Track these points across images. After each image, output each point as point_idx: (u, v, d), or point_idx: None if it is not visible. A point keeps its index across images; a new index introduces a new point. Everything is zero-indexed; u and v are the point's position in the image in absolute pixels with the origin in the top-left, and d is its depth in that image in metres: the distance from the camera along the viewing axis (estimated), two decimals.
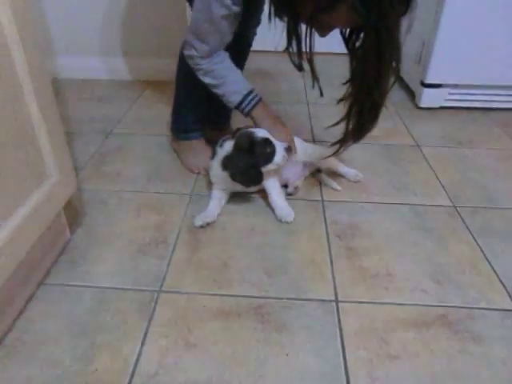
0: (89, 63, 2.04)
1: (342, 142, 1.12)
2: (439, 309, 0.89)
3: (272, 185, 1.14)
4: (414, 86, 1.87)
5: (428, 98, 1.78)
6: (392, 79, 0.97)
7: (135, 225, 1.10)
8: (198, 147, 1.36)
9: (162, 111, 1.72)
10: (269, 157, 1.09)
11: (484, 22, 1.59)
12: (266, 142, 1.08)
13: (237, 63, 1.14)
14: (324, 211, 1.16)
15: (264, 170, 1.09)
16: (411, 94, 1.90)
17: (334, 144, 1.14)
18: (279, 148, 1.09)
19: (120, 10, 1.91)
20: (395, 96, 1.93)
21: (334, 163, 1.29)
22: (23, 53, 0.75)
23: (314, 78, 1.05)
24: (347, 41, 1.03)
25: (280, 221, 1.11)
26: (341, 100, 1.05)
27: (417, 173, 1.35)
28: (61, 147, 0.90)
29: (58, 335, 0.81)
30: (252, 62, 2.35)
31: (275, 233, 1.08)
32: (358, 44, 1.00)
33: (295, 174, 1.24)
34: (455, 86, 1.75)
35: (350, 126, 1.07)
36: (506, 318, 0.87)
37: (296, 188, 1.22)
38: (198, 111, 1.34)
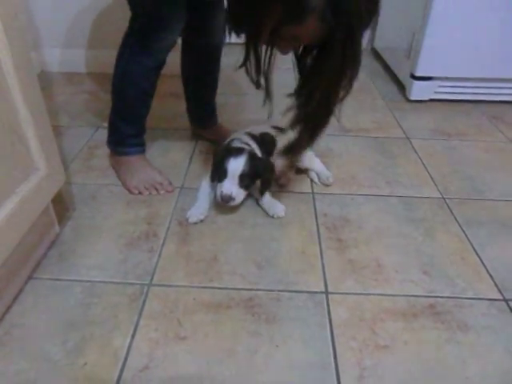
0: (77, 56, 2.01)
1: (295, 149, 1.06)
2: (428, 299, 0.90)
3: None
4: (404, 78, 1.87)
5: (418, 90, 1.78)
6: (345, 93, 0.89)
7: (125, 218, 1.09)
8: (136, 164, 1.23)
9: (152, 104, 1.70)
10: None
11: (473, 14, 1.59)
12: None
13: (207, 69, 1.11)
14: (314, 203, 1.17)
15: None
16: (401, 87, 1.90)
17: (286, 150, 1.06)
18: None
19: (109, 1, 1.88)
20: (386, 89, 1.93)
21: (311, 162, 1.26)
22: (8, 45, 0.73)
23: (267, 96, 0.96)
24: (300, 56, 0.94)
25: (272, 217, 1.11)
26: (287, 111, 0.97)
27: (406, 165, 1.36)
28: (48, 140, 0.89)
29: (48, 329, 0.80)
30: (241, 55, 2.34)
31: (265, 225, 1.08)
32: (309, 60, 0.91)
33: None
34: (445, 79, 1.76)
35: (299, 135, 0.99)
36: (492, 308, 0.88)
37: (288, 179, 1.22)
38: (137, 122, 1.23)
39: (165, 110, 1.66)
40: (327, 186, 1.24)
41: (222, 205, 1.08)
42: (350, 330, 0.82)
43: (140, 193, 1.18)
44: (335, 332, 0.82)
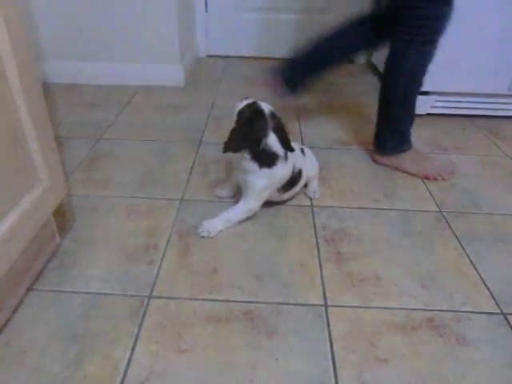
0: (79, 68, 2.03)
1: None
2: (426, 312, 0.90)
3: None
4: None
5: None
6: None
7: (125, 230, 1.10)
8: (419, 152, 1.41)
9: (152, 116, 1.73)
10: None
11: (469, 31, 1.62)
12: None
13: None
14: (313, 216, 1.18)
15: None
16: None
17: None
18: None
19: (112, 16, 1.91)
20: None
21: (314, 171, 1.27)
22: (13, 57, 0.75)
23: None
24: None
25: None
26: None
27: (404, 178, 1.37)
28: (51, 152, 0.90)
29: (47, 341, 0.80)
30: (240, 67, 2.37)
31: (265, 238, 1.09)
32: None
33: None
34: (442, 94, 1.78)
35: None
36: (490, 321, 0.88)
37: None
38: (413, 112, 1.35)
39: (165, 122, 1.68)
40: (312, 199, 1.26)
41: None
42: (349, 343, 0.83)
43: (442, 178, 1.35)
44: (335, 345, 0.82)
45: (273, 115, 1.06)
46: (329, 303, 0.91)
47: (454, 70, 1.70)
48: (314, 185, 1.27)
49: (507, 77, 1.71)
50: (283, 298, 0.92)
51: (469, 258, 1.05)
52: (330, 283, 0.96)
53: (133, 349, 0.80)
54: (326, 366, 0.79)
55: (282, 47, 2.48)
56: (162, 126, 1.65)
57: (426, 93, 1.77)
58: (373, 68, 2.42)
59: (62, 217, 1.10)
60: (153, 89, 2.01)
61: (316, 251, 1.05)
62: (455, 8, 1.15)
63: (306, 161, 1.20)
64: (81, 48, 2.00)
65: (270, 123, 1.04)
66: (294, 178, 1.14)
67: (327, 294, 0.93)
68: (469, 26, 1.61)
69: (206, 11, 2.41)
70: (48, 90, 1.96)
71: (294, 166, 1.12)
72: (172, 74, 2.05)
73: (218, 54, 2.53)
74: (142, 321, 0.85)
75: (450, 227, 1.15)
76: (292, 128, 1.66)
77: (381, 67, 2.27)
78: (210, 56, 2.55)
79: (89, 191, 1.25)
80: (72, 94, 1.93)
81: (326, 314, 0.89)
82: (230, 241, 1.08)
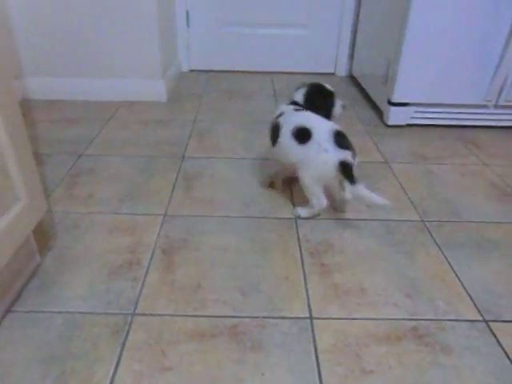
0: (60, 84, 2.02)
1: None
2: (410, 322, 0.91)
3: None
4: (382, 104, 1.93)
5: (395, 116, 1.84)
6: None
7: (107, 247, 1.08)
8: None
9: (134, 132, 1.72)
10: (332, 104, 1.29)
11: (445, 44, 1.67)
12: (332, 93, 1.30)
13: None
14: (297, 229, 1.18)
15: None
16: (379, 113, 1.96)
17: None
18: (338, 103, 1.30)
19: (93, 31, 1.91)
20: (365, 115, 1.99)
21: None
22: None
23: None
24: None
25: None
26: None
27: (386, 189, 1.39)
28: (30, 170, 0.89)
29: (27, 363, 0.78)
30: (223, 81, 2.39)
31: (249, 252, 1.09)
32: None
33: None
34: (420, 105, 1.82)
35: None
36: (473, 329, 0.89)
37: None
38: None
39: (148, 137, 1.67)
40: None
41: None
42: (335, 356, 0.83)
43: None
44: (320, 358, 0.82)
45: None
46: (314, 316, 0.91)
47: (430, 81, 1.74)
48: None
49: (483, 88, 1.76)
50: (268, 312, 0.91)
51: (451, 266, 1.07)
52: (315, 295, 0.96)
53: (116, 368, 0.78)
54: (312, 379, 0.78)
55: (264, 61, 2.53)
56: (145, 141, 1.65)
57: (405, 104, 1.81)
58: (354, 81, 2.46)
59: (43, 235, 1.08)
60: (135, 104, 2.01)
61: (300, 264, 1.06)
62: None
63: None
64: (62, 64, 1.99)
65: None
66: None
67: (312, 307, 0.93)
68: (446, 39, 1.66)
69: (188, 26, 2.43)
70: (29, 106, 1.94)
71: None
72: (154, 89, 2.05)
73: (201, 68, 2.55)
74: (125, 339, 0.84)
75: (432, 236, 1.17)
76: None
77: (361, 79, 2.32)
78: (192, 70, 2.56)
79: (70, 208, 1.23)
80: (53, 111, 1.92)
81: (312, 326, 0.89)
82: (214, 255, 1.07)
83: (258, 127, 1.81)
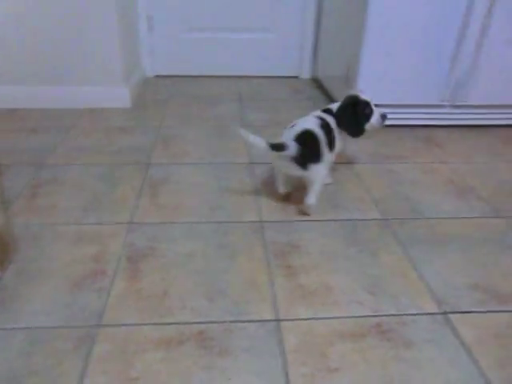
0: (19, 92, 1.97)
1: None
2: (374, 318, 0.93)
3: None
4: None
5: None
6: None
7: (71, 258, 1.06)
8: None
9: (97, 139, 1.69)
10: (367, 116, 1.33)
11: (404, 48, 1.73)
12: (367, 104, 1.33)
13: None
14: (263, 231, 1.19)
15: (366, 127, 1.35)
16: None
17: None
18: (376, 112, 1.34)
19: (52, 38, 1.87)
20: None
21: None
22: None
23: None
24: None
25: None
26: None
27: (350, 189, 1.42)
28: None
29: None
30: (188, 86, 2.38)
31: (215, 257, 1.09)
32: None
33: None
34: (381, 106, 1.87)
35: None
36: (433, 322, 0.93)
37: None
38: None
39: (111, 145, 1.65)
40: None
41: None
42: (301, 356, 0.84)
43: None
44: (288, 359, 0.83)
45: None
46: (281, 317, 0.93)
47: (390, 82, 1.79)
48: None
49: (440, 88, 1.83)
50: (235, 316, 0.92)
51: (412, 262, 1.10)
52: (282, 297, 0.98)
53: (80, 382, 0.77)
54: (279, 381, 0.79)
55: (229, 66, 2.54)
56: (109, 148, 1.63)
57: None
58: (317, 82, 2.50)
59: (3, 248, 1.05)
60: (98, 111, 1.98)
61: (266, 266, 1.07)
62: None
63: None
64: (21, 71, 1.93)
65: None
66: None
67: (279, 309, 0.95)
68: (403, 43, 1.72)
69: (150, 31, 2.41)
70: None
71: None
72: (117, 96, 2.02)
73: (166, 73, 2.53)
74: (90, 352, 0.82)
75: (394, 234, 1.21)
76: (238, 144, 1.68)
77: (325, 81, 2.36)
78: (157, 76, 2.54)
79: (32, 220, 1.20)
80: (13, 119, 1.86)
81: (279, 328, 0.90)
82: (180, 262, 1.07)
83: (224, 132, 1.81)
